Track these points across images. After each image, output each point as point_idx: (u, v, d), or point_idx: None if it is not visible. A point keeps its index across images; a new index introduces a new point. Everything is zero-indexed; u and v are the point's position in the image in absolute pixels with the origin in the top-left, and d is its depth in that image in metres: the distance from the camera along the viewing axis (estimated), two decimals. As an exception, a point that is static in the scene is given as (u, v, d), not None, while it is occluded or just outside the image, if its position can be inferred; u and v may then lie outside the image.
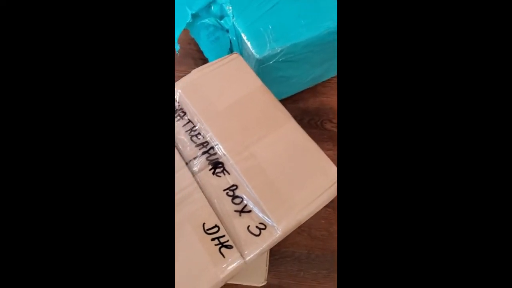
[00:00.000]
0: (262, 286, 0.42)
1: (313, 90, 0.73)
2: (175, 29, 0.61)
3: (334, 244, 0.60)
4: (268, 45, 0.53)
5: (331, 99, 0.73)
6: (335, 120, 0.70)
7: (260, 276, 0.41)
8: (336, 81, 0.74)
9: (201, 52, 0.71)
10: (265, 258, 0.42)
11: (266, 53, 0.52)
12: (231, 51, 0.61)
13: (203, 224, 0.35)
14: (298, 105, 0.71)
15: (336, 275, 0.57)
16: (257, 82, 0.43)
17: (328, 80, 0.73)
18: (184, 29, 0.61)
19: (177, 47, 0.61)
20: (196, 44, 0.73)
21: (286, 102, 0.70)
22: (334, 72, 0.72)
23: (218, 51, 0.64)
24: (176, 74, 0.71)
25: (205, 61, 0.72)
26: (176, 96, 0.43)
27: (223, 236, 0.35)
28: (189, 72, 0.72)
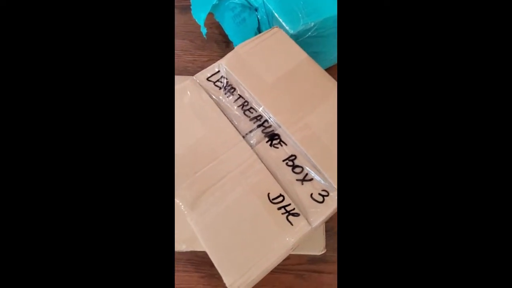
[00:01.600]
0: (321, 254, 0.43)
1: (335, 68, 0.73)
2: (200, 13, 0.61)
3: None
4: (301, 20, 0.53)
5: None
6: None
7: (320, 244, 0.42)
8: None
9: (224, 35, 0.71)
10: (323, 227, 0.42)
11: (300, 28, 0.52)
12: (259, 31, 0.61)
13: (268, 194, 0.36)
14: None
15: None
16: (302, 54, 0.43)
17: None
18: (209, 13, 0.61)
19: (204, 30, 0.61)
20: (218, 27, 0.73)
21: (312, 80, 0.70)
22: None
23: (245, 33, 0.64)
24: (200, 58, 0.71)
25: (228, 44, 0.72)
26: (223, 73, 0.43)
27: (289, 204, 0.35)
28: (212, 56, 0.72)
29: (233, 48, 0.71)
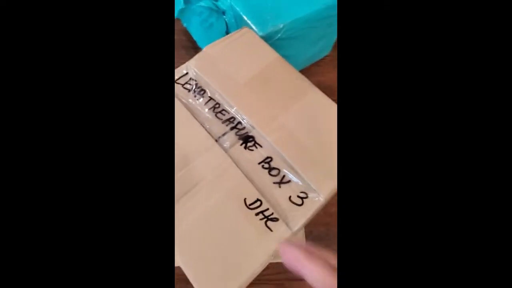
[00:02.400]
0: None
1: (307, 71, 0.72)
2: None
3: (350, 219, 0.60)
4: (269, 22, 0.52)
5: (327, 78, 0.73)
6: (335, 97, 0.70)
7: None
8: (329, 59, 0.74)
9: (192, 41, 0.69)
10: (302, 232, 0.41)
11: (269, 29, 0.51)
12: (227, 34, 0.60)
13: (245, 200, 0.34)
14: (295, 86, 0.70)
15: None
16: (273, 53, 0.42)
17: (321, 59, 0.73)
18: (176, 19, 0.59)
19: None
20: (186, 33, 0.71)
21: (284, 84, 0.69)
22: (327, 51, 0.72)
23: (213, 38, 0.62)
24: (168, 66, 0.69)
25: (197, 50, 0.70)
26: (192, 74, 0.41)
27: (267, 209, 0.33)
28: (182, 63, 0.70)
29: (202, 54, 0.69)
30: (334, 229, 0.59)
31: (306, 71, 0.72)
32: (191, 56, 0.71)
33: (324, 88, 0.72)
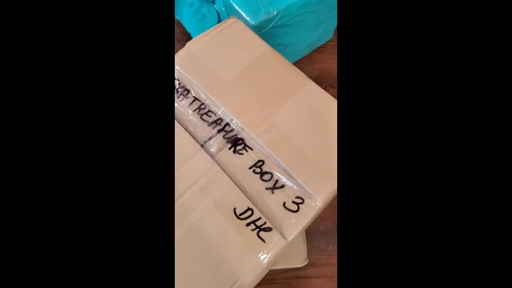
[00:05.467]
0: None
1: (309, 58, 0.69)
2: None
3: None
4: (262, 9, 0.48)
5: (329, 65, 0.69)
6: (337, 85, 0.66)
7: (301, 255, 0.37)
8: (331, 45, 0.70)
9: (186, 33, 0.66)
10: (302, 236, 0.38)
11: (262, 17, 0.48)
12: (220, 24, 0.56)
13: (234, 209, 0.31)
14: (297, 75, 0.67)
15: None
16: (263, 45, 0.39)
17: (323, 45, 0.69)
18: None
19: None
20: (180, 26, 0.68)
21: (284, 73, 0.66)
22: (329, 36, 0.68)
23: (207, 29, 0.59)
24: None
25: (191, 42, 0.67)
26: (175, 74, 0.38)
27: (259, 218, 0.31)
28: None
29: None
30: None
31: (307, 58, 0.68)
32: (185, 48, 0.68)
33: (325, 75, 0.68)
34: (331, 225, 0.55)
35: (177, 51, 0.67)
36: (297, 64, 0.67)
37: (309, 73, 0.68)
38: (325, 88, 0.66)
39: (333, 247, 0.54)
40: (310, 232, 0.55)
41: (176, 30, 0.69)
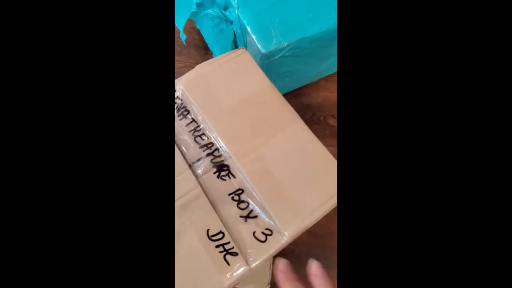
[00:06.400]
0: (264, 289, 0.41)
1: (316, 85, 0.71)
2: (180, 18, 0.59)
3: (334, 242, 0.59)
4: (274, 39, 0.51)
5: (334, 94, 0.71)
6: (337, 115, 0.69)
7: (264, 279, 0.40)
8: (340, 75, 0.72)
9: (203, 41, 0.69)
10: (269, 261, 0.41)
11: (272, 47, 0.50)
12: (235, 43, 0.59)
13: (208, 231, 0.34)
14: (300, 100, 0.69)
15: (336, 272, 0.57)
16: (264, 80, 0.41)
17: (332, 74, 0.71)
18: (189, 19, 0.58)
19: (183, 36, 0.58)
20: (198, 33, 0.70)
21: (289, 96, 0.68)
22: (337, 68, 0.70)
23: (223, 44, 0.61)
24: (176, 64, 0.69)
25: (207, 51, 0.70)
26: (179, 93, 0.41)
27: (228, 243, 0.34)
28: (190, 62, 0.70)
29: (212, 56, 0.69)
30: (317, 250, 0.58)
31: (314, 85, 0.70)
32: (200, 55, 0.71)
33: (328, 104, 0.70)
34: (306, 251, 0.58)
35: (193, 55, 0.70)
36: (303, 90, 0.69)
37: (313, 100, 0.71)
38: (325, 117, 0.69)
39: (304, 273, 0.56)
40: (285, 254, 0.58)
41: (196, 36, 0.72)
